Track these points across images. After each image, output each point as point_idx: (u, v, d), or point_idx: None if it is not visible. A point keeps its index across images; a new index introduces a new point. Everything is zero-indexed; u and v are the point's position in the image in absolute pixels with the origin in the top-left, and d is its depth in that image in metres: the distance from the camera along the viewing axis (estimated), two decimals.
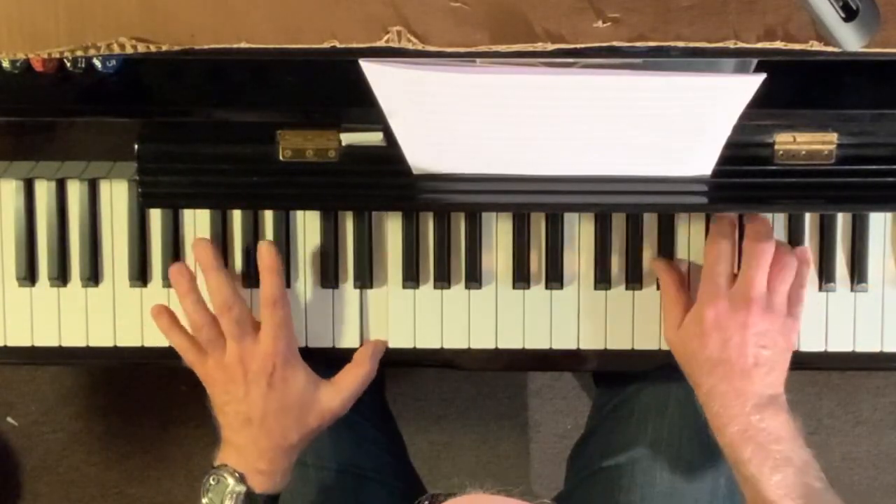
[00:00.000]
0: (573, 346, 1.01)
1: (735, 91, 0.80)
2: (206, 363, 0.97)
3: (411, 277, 1.00)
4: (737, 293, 0.91)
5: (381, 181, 0.94)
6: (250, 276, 1.01)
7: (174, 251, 1.01)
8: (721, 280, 0.92)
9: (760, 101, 0.81)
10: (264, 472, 0.95)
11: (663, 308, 0.98)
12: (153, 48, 0.74)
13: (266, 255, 0.97)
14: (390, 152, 0.91)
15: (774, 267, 0.92)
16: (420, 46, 0.74)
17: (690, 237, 1.00)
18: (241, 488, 0.94)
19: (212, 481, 0.94)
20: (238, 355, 0.95)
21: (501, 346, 1.02)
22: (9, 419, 1.72)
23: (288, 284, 1.01)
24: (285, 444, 0.95)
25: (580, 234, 1.01)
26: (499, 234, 1.01)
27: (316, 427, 0.97)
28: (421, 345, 1.01)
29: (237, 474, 0.94)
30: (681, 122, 0.84)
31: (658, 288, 1.00)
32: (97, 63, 0.88)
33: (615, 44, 0.73)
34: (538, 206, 0.96)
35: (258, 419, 0.94)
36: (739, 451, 0.89)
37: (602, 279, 1.00)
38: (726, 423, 0.90)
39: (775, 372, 0.91)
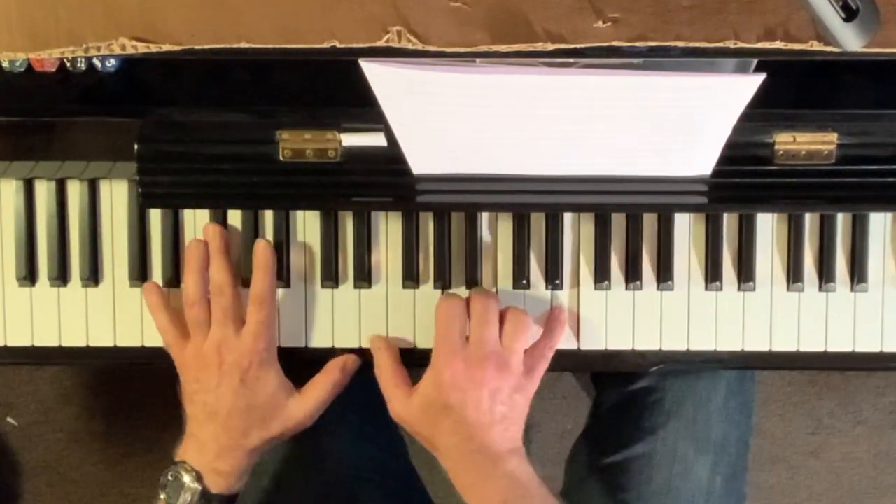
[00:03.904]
0: (573, 347, 1.01)
1: (735, 91, 0.80)
2: (184, 346, 0.97)
3: (411, 277, 1.00)
4: (470, 352, 0.92)
5: (381, 181, 0.94)
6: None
7: (174, 251, 1.01)
8: (454, 342, 0.93)
9: (760, 101, 0.81)
10: (222, 472, 0.95)
11: (384, 387, 0.97)
12: (153, 48, 0.74)
13: (262, 252, 0.98)
14: (390, 152, 0.91)
15: (506, 326, 0.93)
16: (420, 46, 0.74)
17: (691, 237, 1.00)
18: (197, 487, 0.94)
19: (170, 477, 0.95)
20: (217, 342, 0.95)
21: None
22: (9, 419, 1.72)
23: (288, 284, 1.01)
24: (246, 444, 0.95)
25: (580, 234, 1.01)
26: (499, 234, 1.01)
27: (278, 434, 0.97)
28: (421, 345, 1.01)
29: (194, 472, 0.94)
30: (681, 122, 0.84)
31: (658, 288, 1.00)
32: (97, 63, 0.88)
33: (615, 44, 0.73)
34: (538, 206, 0.96)
35: (224, 414, 0.94)
36: None
37: (602, 279, 1.00)
38: (473, 481, 0.90)
39: (514, 427, 0.92)
